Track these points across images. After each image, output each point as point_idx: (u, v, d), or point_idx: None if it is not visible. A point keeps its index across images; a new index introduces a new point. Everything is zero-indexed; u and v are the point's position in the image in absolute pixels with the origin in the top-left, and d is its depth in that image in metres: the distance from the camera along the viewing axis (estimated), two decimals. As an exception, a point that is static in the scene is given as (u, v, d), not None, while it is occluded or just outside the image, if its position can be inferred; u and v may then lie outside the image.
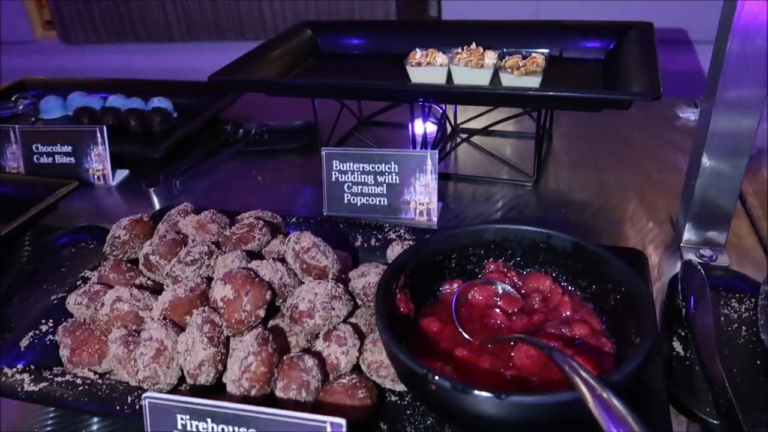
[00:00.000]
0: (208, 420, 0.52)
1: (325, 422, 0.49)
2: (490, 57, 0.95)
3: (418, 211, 0.94)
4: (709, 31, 0.74)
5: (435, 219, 0.94)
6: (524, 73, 0.91)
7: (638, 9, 1.95)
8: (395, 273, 0.64)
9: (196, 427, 0.52)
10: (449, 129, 1.21)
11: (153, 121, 1.33)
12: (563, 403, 0.48)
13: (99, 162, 1.13)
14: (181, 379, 0.63)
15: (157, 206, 1.06)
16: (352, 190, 0.96)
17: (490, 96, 0.94)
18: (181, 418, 0.52)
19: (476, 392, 0.48)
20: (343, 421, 0.49)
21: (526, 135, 1.20)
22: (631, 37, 1.05)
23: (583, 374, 0.47)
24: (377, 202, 0.95)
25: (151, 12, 3.08)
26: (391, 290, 0.63)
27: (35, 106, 1.48)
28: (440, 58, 0.97)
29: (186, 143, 1.24)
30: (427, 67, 0.97)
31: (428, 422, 0.59)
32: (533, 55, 0.93)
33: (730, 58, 0.71)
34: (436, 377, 0.50)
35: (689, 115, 1.23)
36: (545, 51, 0.95)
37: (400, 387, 0.62)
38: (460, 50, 0.97)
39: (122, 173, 1.18)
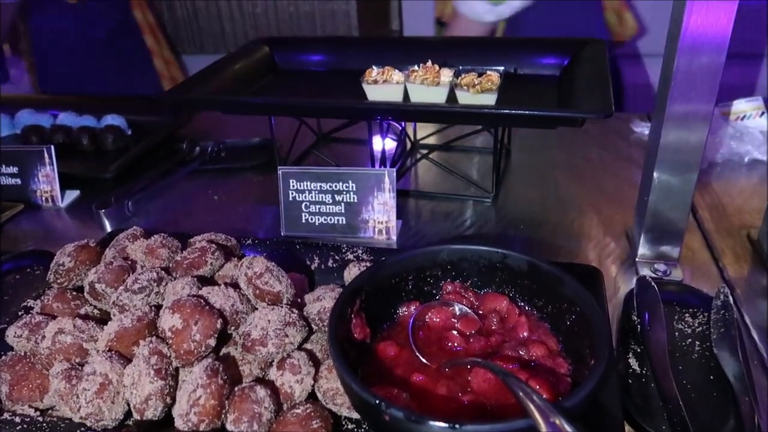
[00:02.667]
0: (153, 460, 0.49)
1: (274, 459, 0.47)
2: (446, 75, 0.95)
3: (377, 229, 0.93)
4: (661, 45, 0.75)
5: (394, 237, 0.93)
6: (480, 90, 0.91)
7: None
8: (350, 297, 0.63)
9: (140, 467, 0.50)
10: (409, 145, 1.21)
11: (106, 140, 1.29)
12: (517, 431, 0.47)
13: (47, 183, 1.09)
14: (128, 414, 0.60)
15: (109, 229, 1.03)
16: (310, 210, 0.94)
17: (447, 114, 0.94)
18: (124, 459, 0.50)
19: (430, 422, 0.47)
20: (293, 457, 0.47)
21: (486, 150, 1.20)
22: (585, 53, 1.06)
23: (537, 400, 0.46)
24: (336, 222, 0.94)
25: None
26: (345, 315, 0.62)
27: (-19, 124, 1.42)
28: (396, 75, 0.97)
29: (140, 162, 1.20)
30: (383, 85, 0.96)
31: (386, 450, 0.58)
32: (488, 72, 0.94)
33: (678, 74, 0.72)
34: (390, 408, 0.49)
35: (643, 129, 1.26)
36: (500, 68, 0.96)
37: (357, 415, 0.60)
38: (416, 68, 0.96)
39: (72, 194, 1.14)
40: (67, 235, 1.06)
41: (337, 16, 2.87)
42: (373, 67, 1.00)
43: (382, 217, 0.92)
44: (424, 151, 1.19)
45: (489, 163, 1.15)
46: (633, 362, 0.68)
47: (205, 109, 1.06)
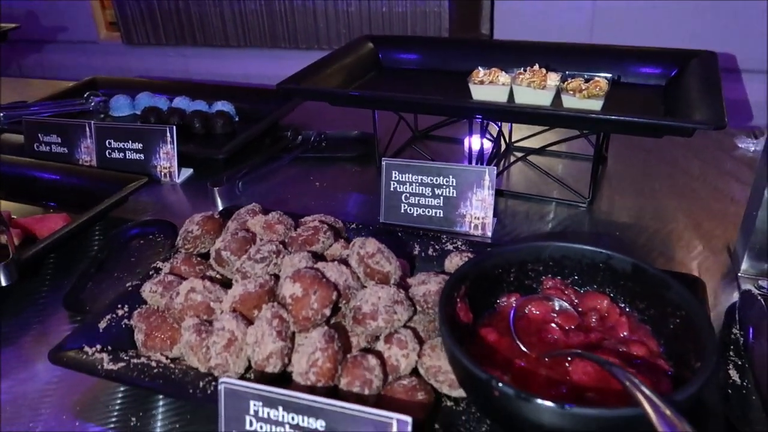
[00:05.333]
0: (280, 408, 0.55)
1: (392, 419, 0.51)
2: (553, 79, 0.97)
3: (473, 224, 0.96)
4: (759, 60, 0.74)
5: (489, 233, 0.96)
6: (587, 96, 0.92)
7: (685, 35, 1.94)
8: (457, 282, 0.66)
9: (268, 414, 0.55)
10: (503, 146, 1.23)
11: (216, 124, 1.38)
12: (625, 418, 0.49)
13: (167, 160, 1.19)
14: (247, 368, 0.66)
15: (220, 205, 1.11)
16: (409, 201, 0.99)
17: (555, 117, 0.95)
18: (254, 404, 0.55)
19: (539, 401, 0.50)
20: (409, 419, 0.51)
21: (579, 156, 1.21)
22: (695, 64, 1.05)
23: (646, 392, 0.48)
24: (433, 214, 0.98)
25: (209, 18, 3.18)
26: (452, 299, 0.65)
27: (105, 104, 1.55)
28: (503, 77, 0.99)
29: (246, 146, 1.29)
30: (489, 86, 0.99)
31: (483, 429, 0.61)
32: (596, 78, 0.95)
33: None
34: (500, 384, 0.52)
35: (748, 145, 1.22)
36: (608, 75, 0.97)
37: (456, 393, 0.64)
38: (522, 71, 0.99)
39: (186, 172, 1.23)
40: (182, 208, 1.15)
41: (429, 18, 2.91)
42: (479, 68, 1.03)
43: (479, 213, 0.95)
44: (519, 154, 1.21)
45: (581, 168, 1.16)
46: (733, 374, 0.68)
47: (315, 99, 1.12)
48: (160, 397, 0.69)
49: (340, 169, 1.24)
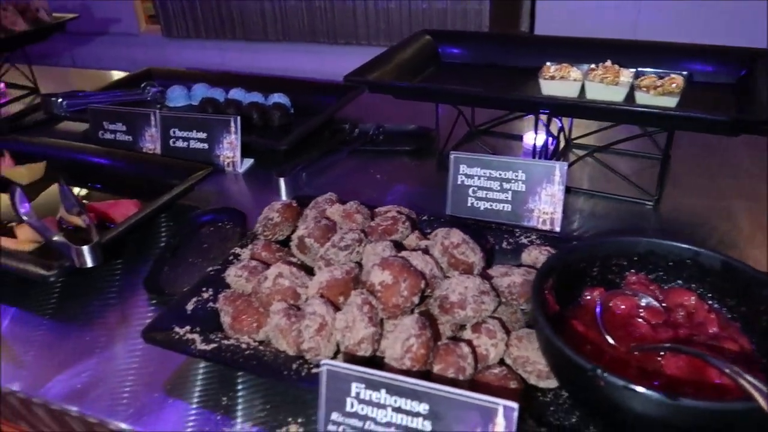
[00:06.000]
0: (383, 391, 0.56)
1: (498, 404, 0.52)
2: (626, 75, 0.96)
3: (541, 219, 0.96)
4: None
5: (558, 229, 0.96)
6: (661, 93, 0.92)
7: (737, 33, 1.92)
8: (546, 274, 0.67)
9: (370, 396, 0.56)
10: (563, 143, 1.23)
11: (273, 116, 1.40)
12: (737, 412, 0.49)
13: (230, 150, 1.21)
14: (335, 353, 0.68)
15: (284, 195, 1.13)
16: (477, 194, 0.99)
17: (630, 113, 0.94)
18: (356, 387, 0.56)
19: (648, 392, 0.50)
20: (515, 405, 0.52)
21: (639, 155, 1.20)
22: (764, 63, 1.04)
23: (761, 386, 0.48)
24: (501, 208, 0.98)
25: (249, 12, 3.22)
26: (542, 290, 0.66)
27: (162, 95, 1.58)
28: (575, 73, 0.99)
29: (305, 138, 1.30)
30: (560, 81, 0.99)
31: (572, 420, 0.62)
32: (672, 75, 0.94)
33: None
34: (605, 374, 0.52)
35: (814, 147, 1.20)
36: (683, 73, 0.96)
37: (544, 383, 0.65)
38: (594, 66, 0.98)
39: (248, 162, 1.25)
40: (244, 197, 1.17)
41: (469, 15, 2.91)
42: (549, 63, 1.03)
43: (548, 208, 0.95)
44: (578, 151, 1.20)
45: (643, 167, 1.15)
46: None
47: (380, 92, 1.13)
48: (247, 377, 0.71)
49: (398, 162, 1.25)
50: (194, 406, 0.68)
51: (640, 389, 0.50)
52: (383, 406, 0.56)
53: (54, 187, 1.16)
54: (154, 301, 0.87)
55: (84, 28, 3.17)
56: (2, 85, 1.77)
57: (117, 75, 1.87)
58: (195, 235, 1.00)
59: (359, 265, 0.75)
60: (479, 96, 1.06)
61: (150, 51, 3.44)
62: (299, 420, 0.65)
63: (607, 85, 0.95)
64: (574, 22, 2.84)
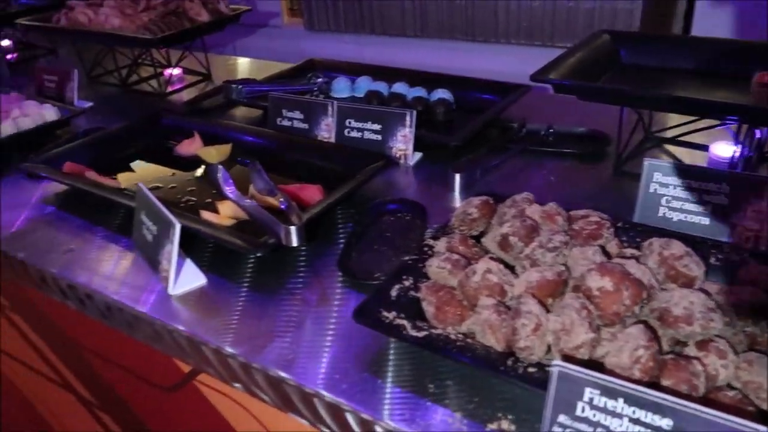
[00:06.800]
0: (620, 400, 0.54)
1: (759, 431, 0.49)
2: None
3: (744, 235, 0.90)
4: None
5: (764, 247, 0.89)
6: None
7: None
8: (785, 297, 0.62)
9: (605, 404, 0.55)
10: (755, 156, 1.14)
11: (437, 111, 1.42)
12: None
13: (404, 143, 1.24)
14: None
15: (457, 190, 1.14)
16: (671, 205, 0.94)
17: None
18: (590, 392, 0.56)
19: None
20: (778, 434, 0.49)
21: None
22: None
23: None
24: (697, 221, 0.93)
25: (389, 7, 3.28)
26: (780, 313, 0.62)
27: (327, 85, 1.65)
28: (796, 81, 0.92)
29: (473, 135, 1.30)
30: (778, 90, 0.92)
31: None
32: None
33: None
34: None
35: None
36: None
37: (777, 413, 0.60)
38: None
39: (417, 155, 1.27)
40: (414, 191, 1.19)
41: (619, 15, 2.78)
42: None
43: (753, 225, 0.89)
44: (775, 165, 1.11)
45: None
46: None
47: (565, 92, 1.11)
48: (449, 367, 0.72)
49: (571, 165, 1.22)
50: (404, 390, 0.70)
51: None
52: (619, 416, 0.55)
53: (237, 168, 1.25)
54: (344, 283, 0.91)
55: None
56: (180, 71, 1.92)
57: (271, 65, 1.96)
58: (375, 224, 1.04)
59: (566, 267, 0.74)
60: (682, 100, 1.01)
61: (289, 43, 3.60)
62: (509, 417, 0.65)
63: (836, 96, 0.87)
64: (734, 24, 2.64)
